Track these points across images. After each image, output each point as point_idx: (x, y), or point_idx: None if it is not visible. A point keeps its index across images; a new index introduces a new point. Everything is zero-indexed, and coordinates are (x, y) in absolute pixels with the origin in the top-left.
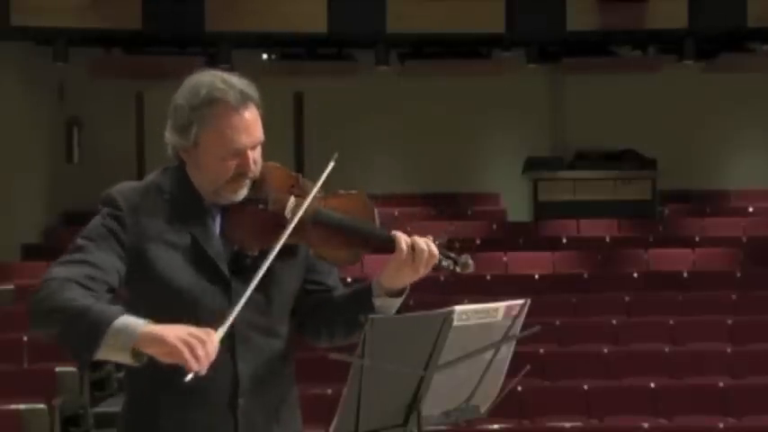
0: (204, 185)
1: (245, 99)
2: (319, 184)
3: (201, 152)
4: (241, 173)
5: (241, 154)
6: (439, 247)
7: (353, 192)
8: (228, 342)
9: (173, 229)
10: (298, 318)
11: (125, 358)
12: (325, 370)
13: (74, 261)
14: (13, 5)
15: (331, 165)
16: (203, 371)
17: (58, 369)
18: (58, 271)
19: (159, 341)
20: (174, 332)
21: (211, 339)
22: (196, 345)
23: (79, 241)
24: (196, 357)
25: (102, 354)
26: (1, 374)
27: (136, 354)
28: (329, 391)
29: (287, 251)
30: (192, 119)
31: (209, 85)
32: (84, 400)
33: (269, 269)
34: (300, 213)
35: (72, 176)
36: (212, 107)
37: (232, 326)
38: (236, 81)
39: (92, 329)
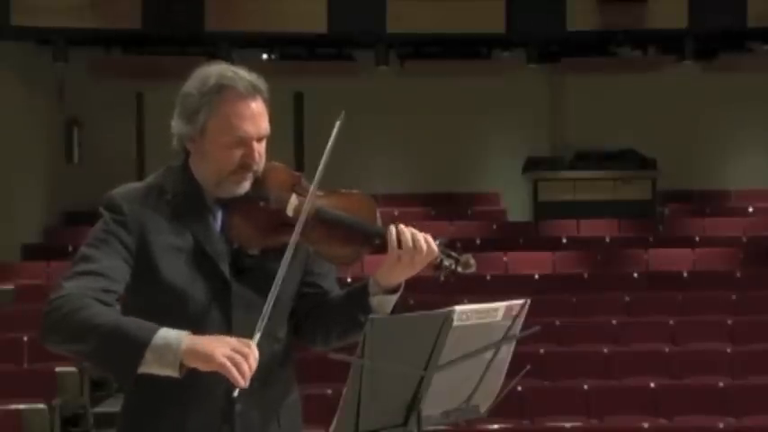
0: (208, 177)
1: (253, 90)
2: (324, 162)
3: (207, 140)
4: (245, 164)
5: (246, 143)
6: (440, 246)
7: (355, 191)
8: None
9: (174, 231)
10: (293, 321)
11: (169, 372)
12: (326, 370)
13: (83, 273)
14: (13, 5)
15: (338, 125)
16: (247, 385)
17: (57, 369)
18: (71, 286)
19: (206, 358)
20: (221, 349)
21: (253, 352)
22: (241, 361)
23: (84, 250)
24: (242, 374)
25: (143, 369)
26: (1, 374)
27: (181, 368)
28: (329, 391)
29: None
30: (200, 105)
31: (219, 74)
32: (84, 400)
33: (270, 271)
34: (305, 214)
35: (72, 176)
36: (221, 94)
37: (230, 329)
38: (246, 74)
39: (132, 346)
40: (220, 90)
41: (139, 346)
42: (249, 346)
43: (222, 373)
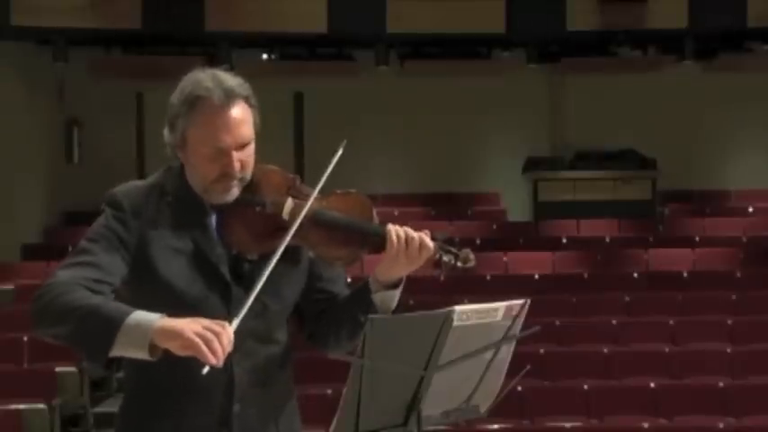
0: (196, 184)
1: (230, 98)
2: (322, 182)
3: (189, 150)
4: (225, 173)
5: (224, 153)
6: (439, 242)
7: (351, 191)
8: None
9: (175, 233)
10: (307, 328)
11: (141, 354)
12: (326, 370)
13: (77, 264)
14: (13, 5)
15: (339, 152)
16: (220, 364)
17: (57, 369)
18: (62, 274)
19: (176, 335)
20: (190, 326)
21: (227, 332)
22: (212, 338)
23: (83, 244)
24: (213, 351)
25: (116, 351)
26: (1, 374)
27: (153, 348)
28: (329, 391)
29: (288, 257)
30: (178, 116)
31: (196, 83)
32: (84, 400)
33: (269, 275)
34: (301, 217)
35: (72, 176)
36: (196, 105)
37: None
38: (228, 80)
39: (105, 327)
40: (195, 102)
41: (113, 327)
42: (223, 326)
43: (192, 351)
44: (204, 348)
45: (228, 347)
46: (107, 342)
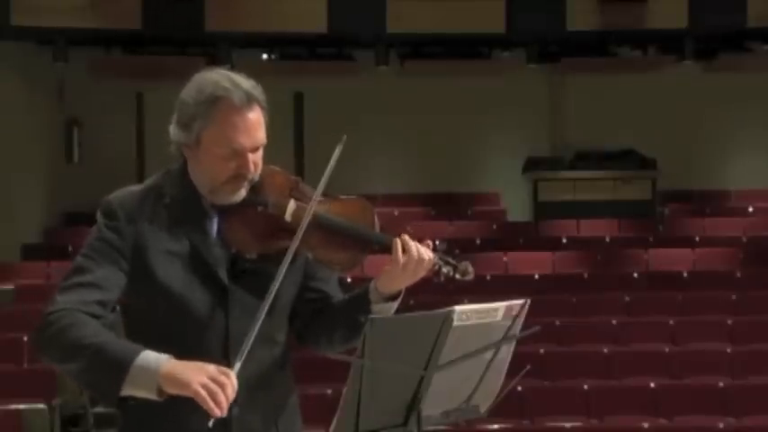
0: (203, 184)
1: (249, 100)
2: (324, 181)
3: (202, 150)
4: (239, 174)
5: (241, 154)
6: (439, 253)
7: (353, 197)
8: (224, 350)
9: (172, 236)
10: (297, 327)
11: (150, 395)
12: (326, 370)
13: (77, 285)
14: (13, 5)
15: (339, 149)
16: (224, 414)
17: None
18: (64, 300)
19: (182, 386)
20: (197, 377)
21: (231, 382)
22: (217, 391)
23: (78, 260)
24: (218, 404)
25: (125, 392)
26: (1, 374)
27: (161, 392)
28: (329, 391)
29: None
30: (195, 116)
31: (215, 84)
32: (84, 400)
33: (268, 276)
34: (307, 219)
35: (72, 176)
36: (215, 105)
37: (227, 335)
38: (243, 82)
39: (113, 369)
40: (215, 101)
41: (120, 371)
42: (228, 376)
43: (197, 401)
44: (210, 402)
45: (232, 396)
46: (116, 386)
